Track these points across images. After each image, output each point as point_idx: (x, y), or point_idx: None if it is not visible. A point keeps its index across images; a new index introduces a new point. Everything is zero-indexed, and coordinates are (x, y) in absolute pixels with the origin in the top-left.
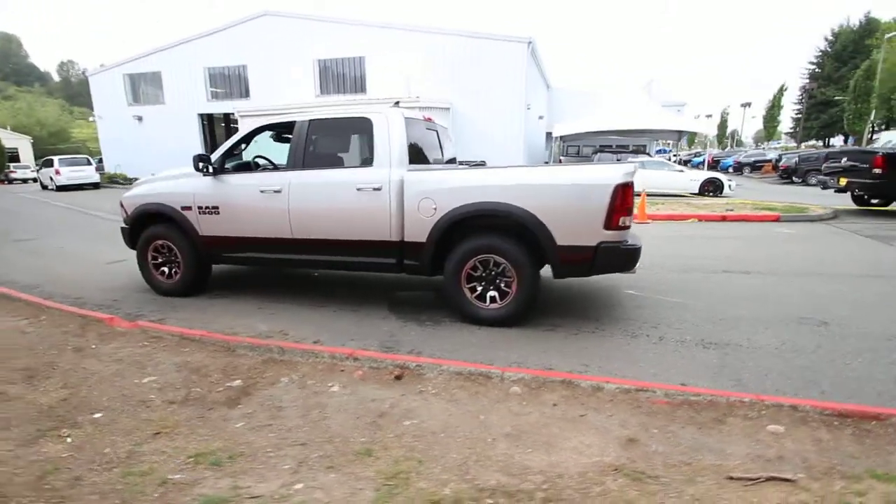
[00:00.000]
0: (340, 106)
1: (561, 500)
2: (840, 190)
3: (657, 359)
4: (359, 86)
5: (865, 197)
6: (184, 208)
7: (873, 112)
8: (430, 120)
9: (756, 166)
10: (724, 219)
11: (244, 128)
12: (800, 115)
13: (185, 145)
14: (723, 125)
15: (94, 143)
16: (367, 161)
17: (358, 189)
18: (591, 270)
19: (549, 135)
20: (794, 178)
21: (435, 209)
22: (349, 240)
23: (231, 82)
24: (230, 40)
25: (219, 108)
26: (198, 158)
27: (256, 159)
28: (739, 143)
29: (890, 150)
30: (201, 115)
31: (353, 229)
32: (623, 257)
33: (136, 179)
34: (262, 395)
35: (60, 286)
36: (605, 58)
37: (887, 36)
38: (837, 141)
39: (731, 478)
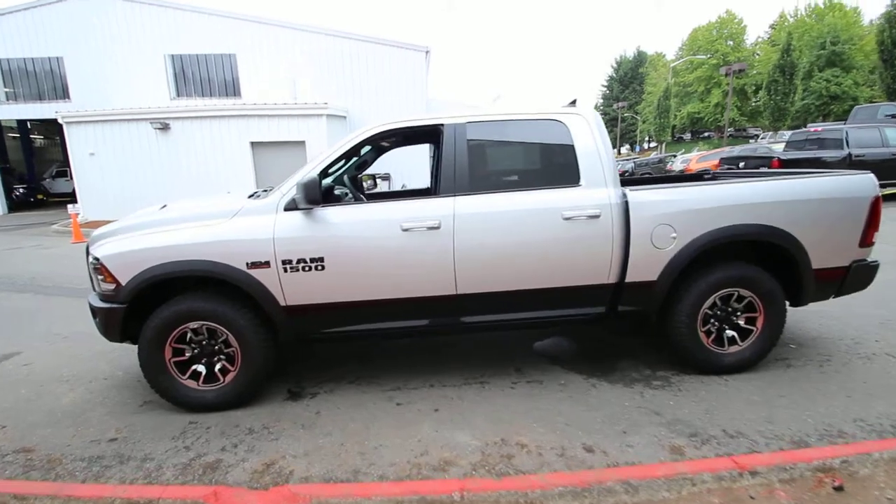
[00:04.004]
0: (207, 111)
1: None
2: None
3: None
4: (230, 89)
5: None
6: (253, 265)
7: (672, 126)
8: None
9: None
10: None
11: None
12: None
13: None
14: None
15: None
16: (565, 179)
17: (565, 218)
18: (837, 293)
19: None
20: None
21: (674, 237)
22: (545, 288)
23: (39, 79)
24: (34, 25)
25: (22, 112)
26: (310, 186)
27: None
28: None
29: (783, 153)
30: None
31: (554, 273)
32: (870, 275)
33: None
34: None
35: None
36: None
37: (672, 64)
38: (624, 149)
39: None
